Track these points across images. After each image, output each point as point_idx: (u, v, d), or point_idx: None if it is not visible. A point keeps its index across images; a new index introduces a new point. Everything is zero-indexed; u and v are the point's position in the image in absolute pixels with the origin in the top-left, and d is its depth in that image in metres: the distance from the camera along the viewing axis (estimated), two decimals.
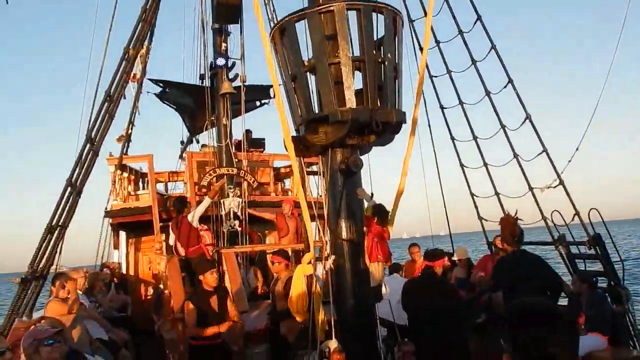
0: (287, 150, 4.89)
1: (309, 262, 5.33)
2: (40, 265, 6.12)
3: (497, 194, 8.29)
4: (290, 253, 9.73)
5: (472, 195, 8.83)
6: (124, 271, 11.23)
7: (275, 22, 5.01)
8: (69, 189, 6.44)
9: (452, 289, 6.10)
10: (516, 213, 6.17)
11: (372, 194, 5.18)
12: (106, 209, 11.85)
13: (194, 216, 8.86)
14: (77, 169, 6.75)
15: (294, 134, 5.12)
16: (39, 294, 6.50)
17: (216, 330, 5.70)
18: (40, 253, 6.08)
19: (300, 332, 6.28)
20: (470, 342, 5.59)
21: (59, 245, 6.72)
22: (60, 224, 6.34)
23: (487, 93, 8.23)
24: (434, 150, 9.34)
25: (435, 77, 8.95)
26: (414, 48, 8.96)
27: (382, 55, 4.76)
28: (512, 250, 5.80)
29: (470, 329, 5.62)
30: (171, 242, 9.20)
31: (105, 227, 13.12)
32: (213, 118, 11.59)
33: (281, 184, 12.68)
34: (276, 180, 12.29)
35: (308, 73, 4.82)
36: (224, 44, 11.54)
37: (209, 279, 5.90)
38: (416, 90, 5.24)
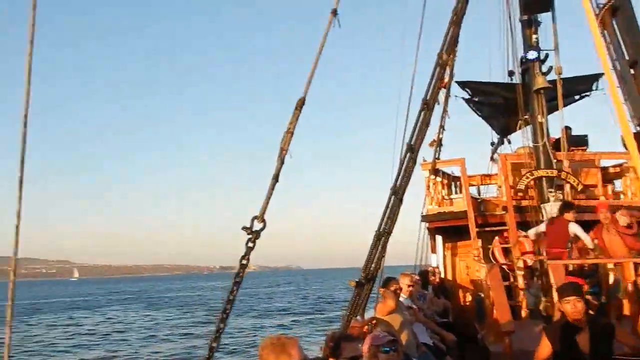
0: (625, 148, 4.22)
1: None
2: (371, 269, 6.58)
3: None
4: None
5: None
6: (442, 275, 11.44)
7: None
8: (393, 197, 6.77)
9: None
10: None
11: None
12: (422, 213, 12.27)
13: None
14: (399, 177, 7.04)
15: (634, 129, 4.39)
16: (369, 296, 7.02)
17: None
18: (370, 258, 6.54)
19: None
20: None
21: (384, 250, 7.16)
22: (386, 230, 6.71)
23: None
24: None
25: None
26: None
27: None
28: None
29: None
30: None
31: (422, 230, 13.61)
32: (526, 116, 10.96)
33: (611, 186, 11.10)
34: (605, 182, 10.82)
35: None
36: (534, 36, 10.79)
37: (566, 309, 4.44)
38: None
